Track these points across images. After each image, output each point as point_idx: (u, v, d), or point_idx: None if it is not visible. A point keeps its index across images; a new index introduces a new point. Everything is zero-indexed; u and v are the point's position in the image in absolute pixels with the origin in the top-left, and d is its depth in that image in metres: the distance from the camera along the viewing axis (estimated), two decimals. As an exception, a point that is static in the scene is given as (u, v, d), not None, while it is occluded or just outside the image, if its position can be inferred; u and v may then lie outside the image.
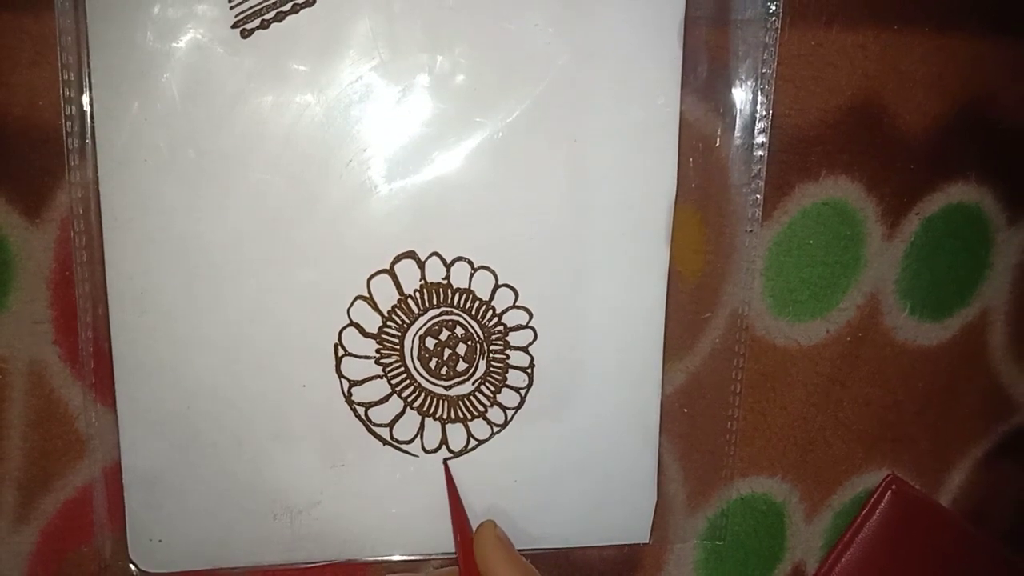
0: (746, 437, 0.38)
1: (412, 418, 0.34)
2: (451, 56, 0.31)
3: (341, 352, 0.33)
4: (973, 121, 0.36)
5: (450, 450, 0.35)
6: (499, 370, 0.34)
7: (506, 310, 0.34)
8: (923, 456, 0.40)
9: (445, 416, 0.34)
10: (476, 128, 0.32)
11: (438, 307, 0.33)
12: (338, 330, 0.33)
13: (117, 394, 0.33)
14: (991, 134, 0.37)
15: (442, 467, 0.35)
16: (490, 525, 0.32)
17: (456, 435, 0.35)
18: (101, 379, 0.33)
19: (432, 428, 0.34)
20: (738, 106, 0.34)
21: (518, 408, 0.35)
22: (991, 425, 0.41)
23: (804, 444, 0.39)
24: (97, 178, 0.31)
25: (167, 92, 0.30)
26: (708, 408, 0.37)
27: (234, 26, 0.30)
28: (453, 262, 0.33)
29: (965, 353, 0.40)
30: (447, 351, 0.34)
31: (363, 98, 0.31)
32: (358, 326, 0.33)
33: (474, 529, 0.33)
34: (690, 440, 0.37)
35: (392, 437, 0.34)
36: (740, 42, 0.33)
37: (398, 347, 0.33)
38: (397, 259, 0.33)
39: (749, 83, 0.34)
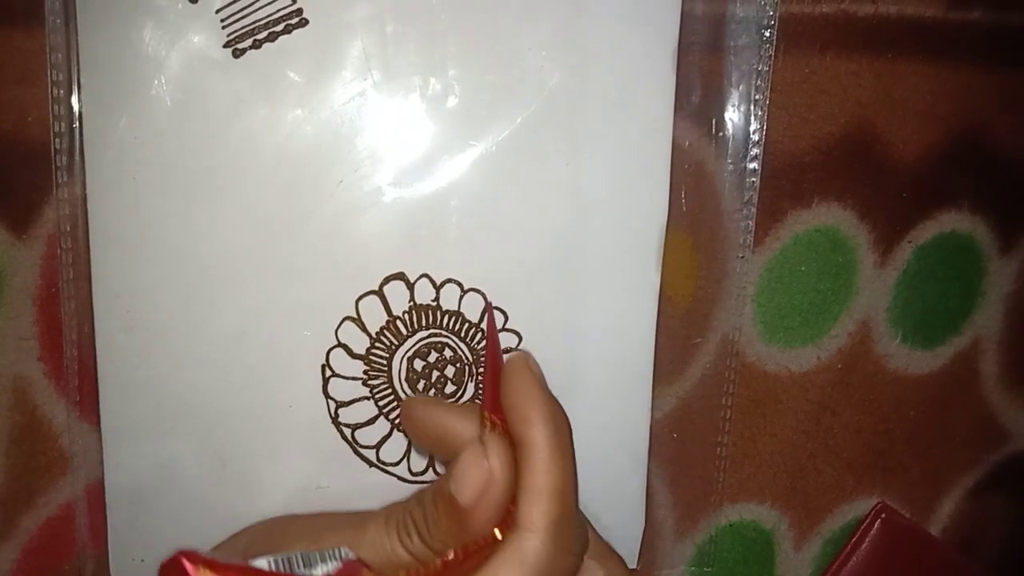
0: (736, 463, 0.38)
1: (399, 440, 0.34)
2: (444, 78, 0.31)
3: (328, 373, 0.33)
4: (966, 150, 0.36)
5: (436, 472, 0.34)
6: (488, 393, 0.34)
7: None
8: (913, 485, 0.40)
9: (432, 439, 0.34)
10: (468, 150, 0.32)
11: (427, 329, 0.33)
12: (326, 350, 0.33)
13: (102, 412, 0.32)
14: (984, 163, 0.37)
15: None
16: (522, 354, 0.28)
17: (443, 458, 0.34)
18: (86, 396, 0.33)
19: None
20: (731, 132, 0.34)
21: (506, 431, 0.34)
22: (982, 454, 0.41)
23: (794, 471, 0.39)
24: (85, 195, 0.31)
25: (157, 110, 0.30)
26: (698, 433, 0.37)
27: (226, 45, 0.30)
28: (442, 284, 0.33)
29: (957, 382, 0.39)
30: (435, 373, 0.34)
31: (355, 119, 0.31)
32: (346, 347, 0.33)
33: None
34: (679, 465, 0.37)
35: (378, 459, 0.34)
36: (734, 68, 0.33)
37: (386, 368, 0.33)
38: (386, 280, 0.32)
39: (742, 109, 0.34)
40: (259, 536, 0.30)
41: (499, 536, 0.25)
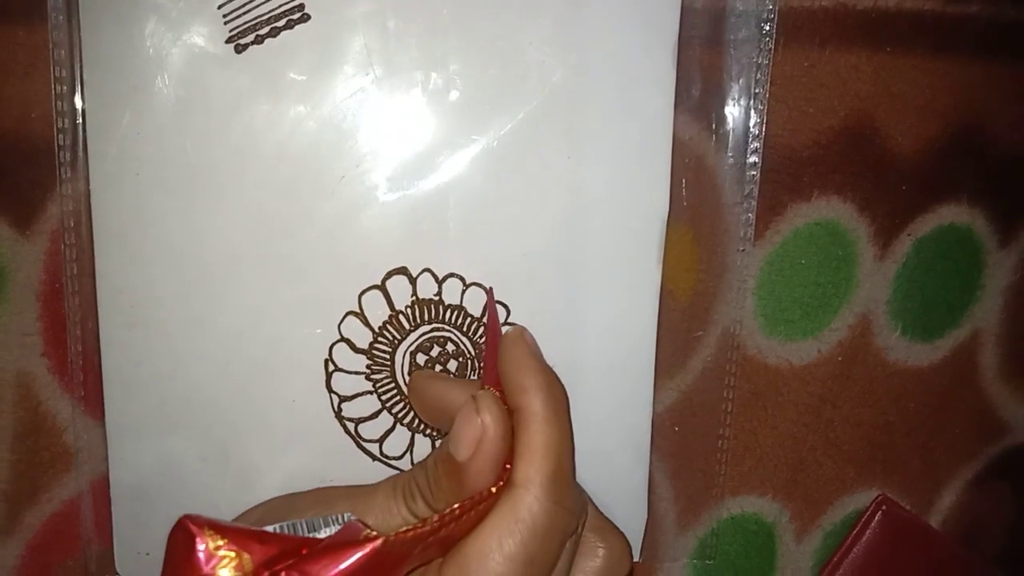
0: (737, 456, 0.38)
1: (402, 434, 0.34)
2: (445, 73, 0.31)
3: (331, 367, 0.33)
4: (965, 143, 0.37)
5: (440, 467, 0.35)
6: (490, 387, 0.34)
7: (497, 327, 0.34)
8: (913, 477, 0.40)
9: (435, 433, 0.34)
10: (470, 145, 0.32)
11: (429, 323, 0.33)
12: (329, 345, 0.33)
13: (106, 407, 0.32)
14: (983, 156, 0.37)
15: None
16: (519, 328, 0.30)
17: (446, 452, 0.35)
18: (90, 392, 0.33)
19: (422, 444, 0.34)
20: (731, 126, 0.34)
21: (508, 425, 0.35)
22: (982, 446, 0.41)
23: (795, 464, 0.39)
24: (89, 191, 0.31)
25: (160, 105, 0.30)
26: (699, 427, 0.37)
27: (228, 41, 0.30)
28: (445, 278, 0.33)
29: (956, 374, 0.40)
30: (438, 367, 0.34)
31: (357, 114, 0.31)
32: (349, 342, 0.33)
33: None
34: (681, 459, 0.37)
35: (382, 453, 0.34)
36: (733, 62, 0.34)
37: (389, 363, 0.33)
38: (389, 275, 0.33)
39: (742, 103, 0.34)
40: (273, 508, 0.31)
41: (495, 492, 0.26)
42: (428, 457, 0.28)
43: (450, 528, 0.24)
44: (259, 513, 0.31)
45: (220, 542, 0.21)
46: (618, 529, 0.30)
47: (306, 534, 0.24)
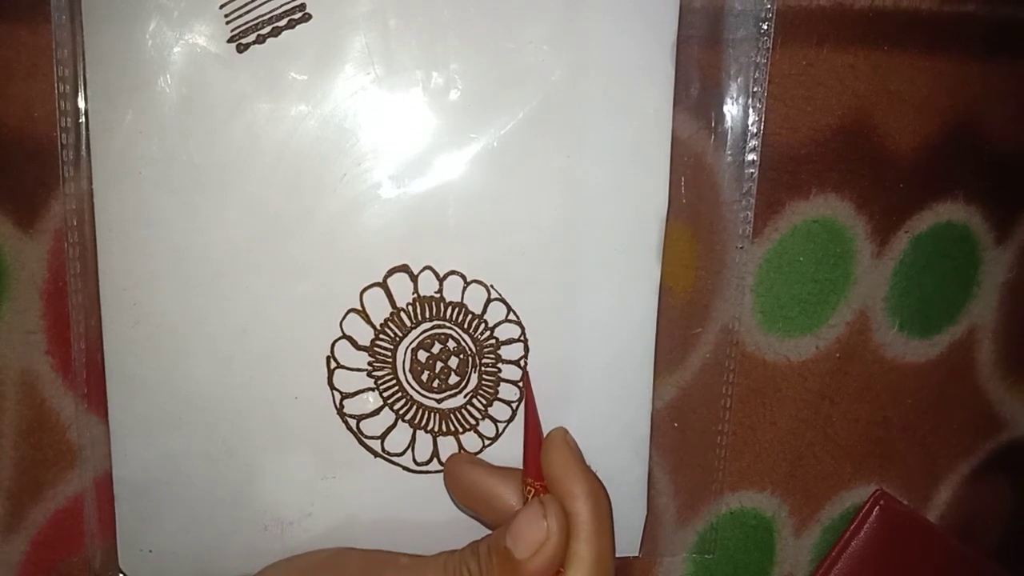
0: (736, 452, 0.38)
1: (404, 431, 0.34)
2: (446, 72, 0.32)
3: (333, 364, 0.33)
4: (962, 141, 0.37)
5: (441, 463, 0.35)
6: (491, 383, 0.34)
7: (498, 324, 0.34)
8: (911, 472, 0.41)
9: (437, 429, 0.35)
10: (470, 143, 0.32)
11: (430, 320, 0.33)
12: (331, 342, 0.33)
13: (109, 404, 0.33)
14: (979, 154, 0.37)
15: (440, 481, 0.35)
16: (562, 430, 0.31)
17: (447, 448, 0.35)
18: (93, 389, 0.33)
19: (423, 441, 0.35)
20: (729, 124, 0.34)
21: (509, 421, 0.35)
22: (978, 442, 0.41)
23: (793, 459, 0.39)
24: (92, 189, 0.31)
25: (162, 104, 0.31)
26: (698, 422, 0.37)
27: (230, 40, 0.30)
28: (446, 276, 0.33)
29: (953, 370, 0.40)
30: (439, 364, 0.34)
31: (358, 113, 0.31)
32: (351, 339, 0.33)
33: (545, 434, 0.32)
34: (680, 454, 0.37)
35: (383, 449, 0.34)
36: (732, 61, 0.34)
37: (390, 360, 0.34)
38: (390, 272, 0.33)
39: (740, 101, 0.34)
40: (321, 563, 0.32)
41: None
42: (481, 543, 0.29)
43: None
44: (305, 565, 0.32)
45: None
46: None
47: None
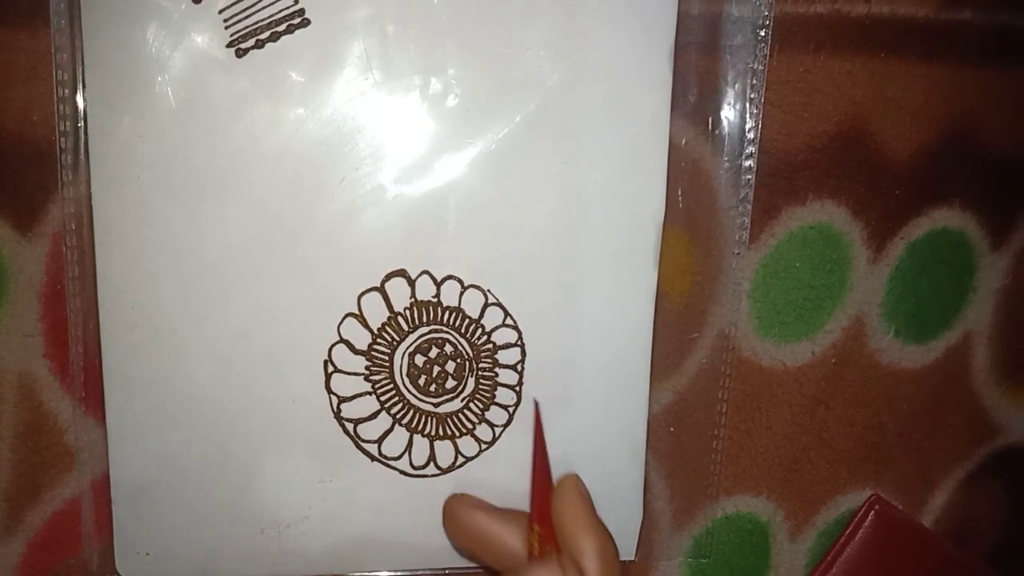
0: (732, 456, 0.39)
1: (401, 435, 0.34)
2: (444, 77, 0.32)
3: (331, 368, 0.33)
4: (958, 148, 0.37)
5: (438, 467, 0.35)
6: (488, 388, 0.35)
7: (495, 328, 0.34)
8: (906, 477, 0.41)
9: (433, 433, 0.35)
10: (468, 148, 0.32)
11: (428, 325, 0.34)
12: (328, 346, 0.33)
13: (107, 407, 0.33)
14: (975, 161, 0.38)
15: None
16: (574, 478, 0.31)
17: (444, 452, 0.35)
18: (91, 392, 0.33)
19: (420, 445, 0.35)
20: (727, 130, 0.34)
21: (506, 426, 0.35)
22: (973, 447, 0.42)
23: (789, 464, 0.39)
24: (90, 193, 0.31)
25: (161, 109, 0.31)
26: (694, 427, 0.37)
27: (229, 45, 0.31)
28: (443, 280, 0.33)
29: (948, 376, 0.40)
30: (436, 368, 0.34)
31: (357, 117, 0.32)
32: (348, 343, 0.33)
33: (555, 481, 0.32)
34: (676, 458, 0.38)
35: (380, 453, 0.34)
36: (729, 68, 0.34)
37: (387, 364, 0.34)
38: (388, 277, 0.33)
39: (738, 107, 0.34)
40: None
41: None
42: None
43: None
44: None
45: None
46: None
47: None
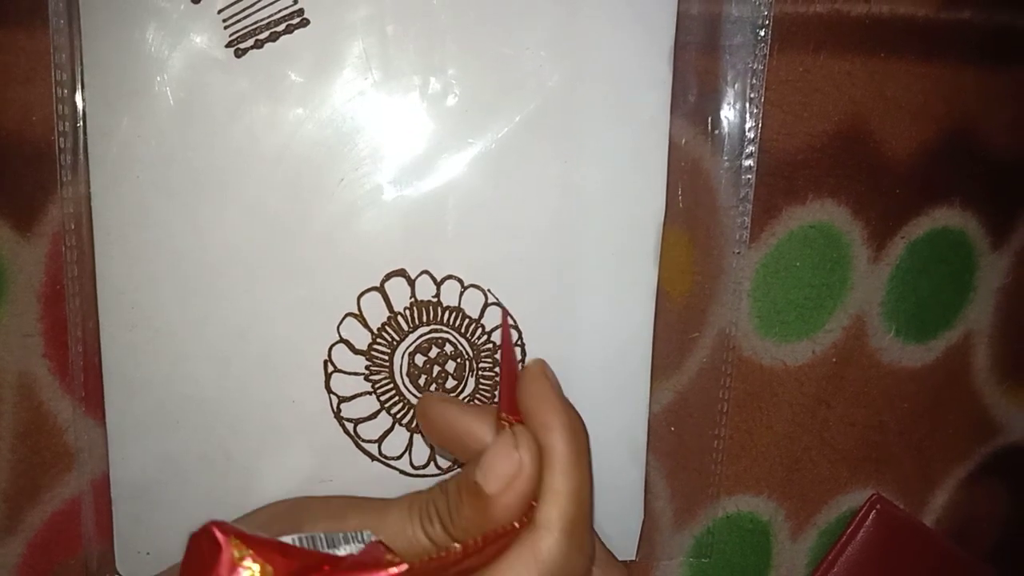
0: (732, 456, 0.39)
1: (401, 434, 0.34)
2: (443, 77, 0.32)
3: (331, 368, 0.33)
4: (958, 147, 0.37)
5: (438, 466, 0.35)
6: (488, 387, 0.34)
7: (495, 328, 0.34)
8: (907, 476, 0.41)
9: (433, 433, 0.35)
10: (468, 148, 0.32)
11: (428, 324, 0.34)
12: (328, 346, 0.33)
13: (106, 407, 0.33)
14: (975, 160, 0.38)
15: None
16: (539, 362, 0.29)
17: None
18: (90, 392, 0.33)
19: (421, 445, 0.35)
20: (727, 129, 0.34)
21: (506, 425, 0.35)
22: (974, 446, 0.42)
23: (790, 463, 0.39)
24: (89, 193, 0.31)
25: (160, 109, 0.31)
26: (695, 427, 0.37)
27: (228, 45, 0.31)
28: (443, 280, 0.33)
29: (949, 375, 0.40)
30: (436, 368, 0.34)
31: (356, 118, 0.32)
32: (348, 343, 0.33)
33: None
34: (677, 458, 0.38)
35: (381, 453, 0.34)
36: (729, 67, 0.34)
37: (387, 364, 0.34)
38: (387, 277, 0.33)
39: (738, 107, 0.34)
40: (281, 513, 0.30)
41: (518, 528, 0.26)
42: (450, 481, 0.27)
43: (471, 559, 0.24)
44: (264, 517, 0.31)
45: (245, 552, 0.21)
46: (620, 564, 0.31)
47: (325, 549, 0.23)
